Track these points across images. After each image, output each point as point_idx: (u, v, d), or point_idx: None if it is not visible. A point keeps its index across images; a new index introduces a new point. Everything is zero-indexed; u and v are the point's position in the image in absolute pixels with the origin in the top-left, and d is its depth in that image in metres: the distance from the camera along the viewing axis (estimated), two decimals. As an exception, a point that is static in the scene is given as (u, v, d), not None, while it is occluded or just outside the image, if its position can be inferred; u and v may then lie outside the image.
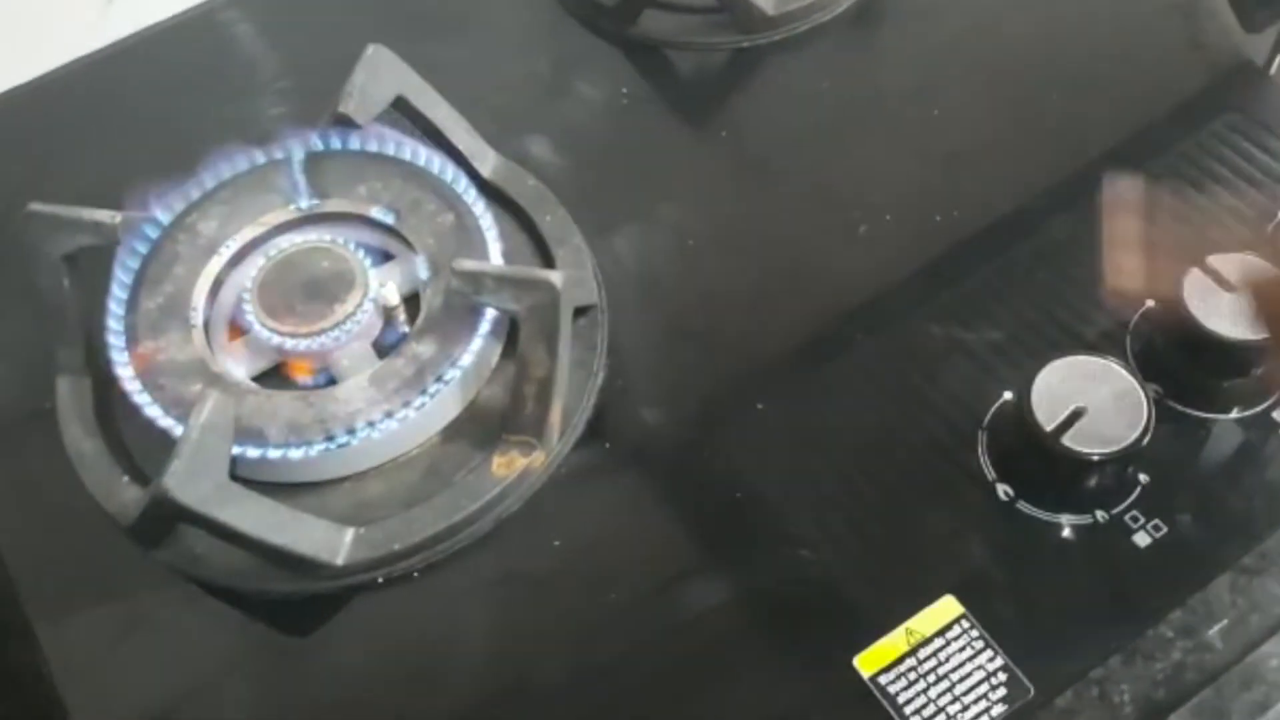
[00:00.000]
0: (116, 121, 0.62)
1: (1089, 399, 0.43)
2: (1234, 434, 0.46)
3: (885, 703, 0.41)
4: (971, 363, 0.48)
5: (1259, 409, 0.46)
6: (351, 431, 0.45)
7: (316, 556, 0.44)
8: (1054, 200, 0.53)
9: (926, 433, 0.46)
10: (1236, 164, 0.53)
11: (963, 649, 0.41)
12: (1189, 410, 0.46)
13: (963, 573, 0.43)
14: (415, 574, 0.45)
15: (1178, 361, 0.46)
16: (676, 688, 0.43)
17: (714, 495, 0.46)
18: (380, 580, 0.45)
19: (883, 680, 0.41)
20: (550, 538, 0.46)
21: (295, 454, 0.45)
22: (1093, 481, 0.44)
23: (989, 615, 0.42)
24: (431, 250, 0.50)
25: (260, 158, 0.53)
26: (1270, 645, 0.42)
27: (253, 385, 0.48)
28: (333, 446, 0.45)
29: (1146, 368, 0.47)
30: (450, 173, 0.52)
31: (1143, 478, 0.44)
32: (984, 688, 0.41)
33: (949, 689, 0.41)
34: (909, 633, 0.42)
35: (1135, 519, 0.44)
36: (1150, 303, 0.48)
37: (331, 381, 0.48)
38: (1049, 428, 0.43)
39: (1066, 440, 0.42)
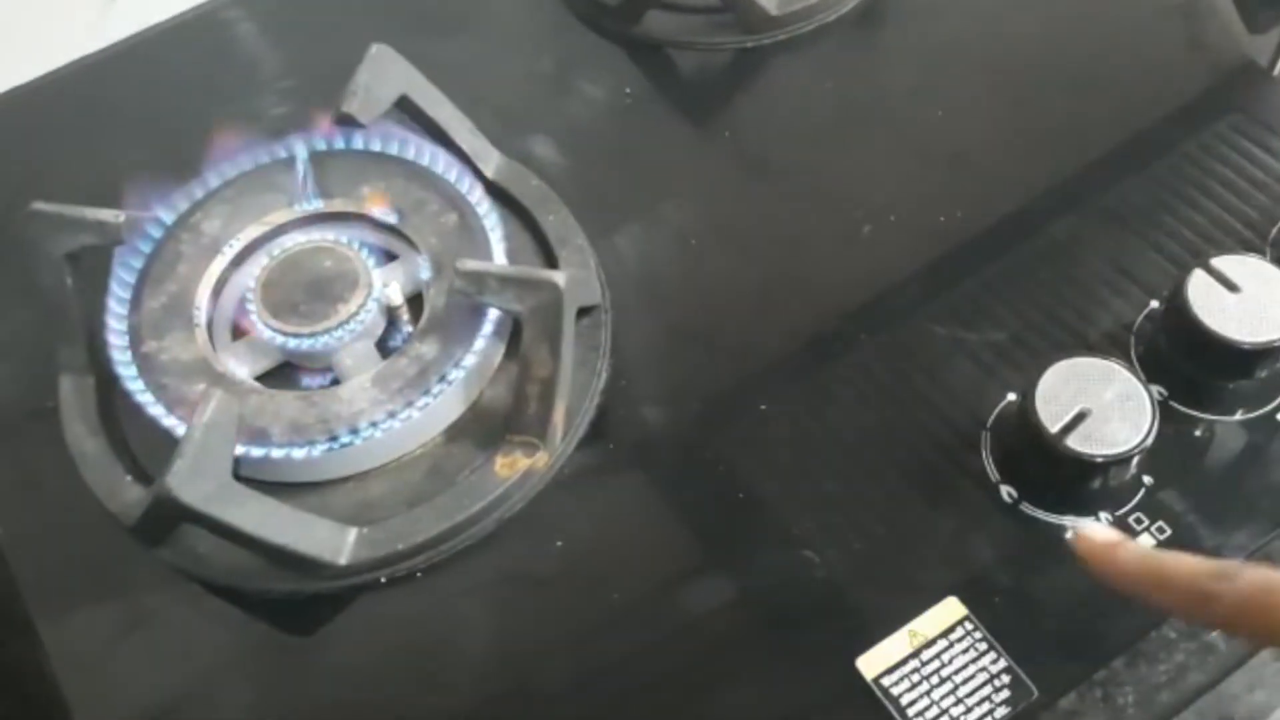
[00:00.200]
0: (119, 121, 0.62)
1: (1093, 400, 0.43)
2: (1238, 435, 0.46)
3: (888, 704, 0.41)
4: (975, 364, 0.48)
5: (1263, 410, 0.46)
6: (354, 431, 0.45)
7: (319, 556, 0.44)
8: (1057, 201, 0.53)
9: (930, 434, 0.46)
10: (1239, 165, 0.53)
11: (966, 651, 0.41)
12: (1193, 412, 0.46)
13: (966, 574, 0.43)
14: (418, 574, 0.45)
15: (1182, 363, 0.46)
16: (679, 689, 0.43)
17: (717, 496, 0.46)
18: (383, 580, 0.45)
19: (885, 682, 0.41)
20: (553, 538, 0.46)
21: (298, 454, 0.45)
22: (1097, 483, 0.44)
23: (992, 617, 0.42)
24: (435, 250, 0.50)
25: (264, 157, 0.53)
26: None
27: (256, 385, 0.48)
28: (336, 446, 0.45)
29: (1151, 369, 0.47)
30: (454, 172, 0.52)
31: (1147, 479, 0.44)
32: (987, 689, 0.41)
33: (952, 691, 0.41)
34: (912, 634, 0.42)
35: (1139, 521, 0.44)
36: (1154, 303, 0.48)
37: (335, 381, 0.48)
38: (1053, 429, 0.43)
39: (1070, 442, 0.42)
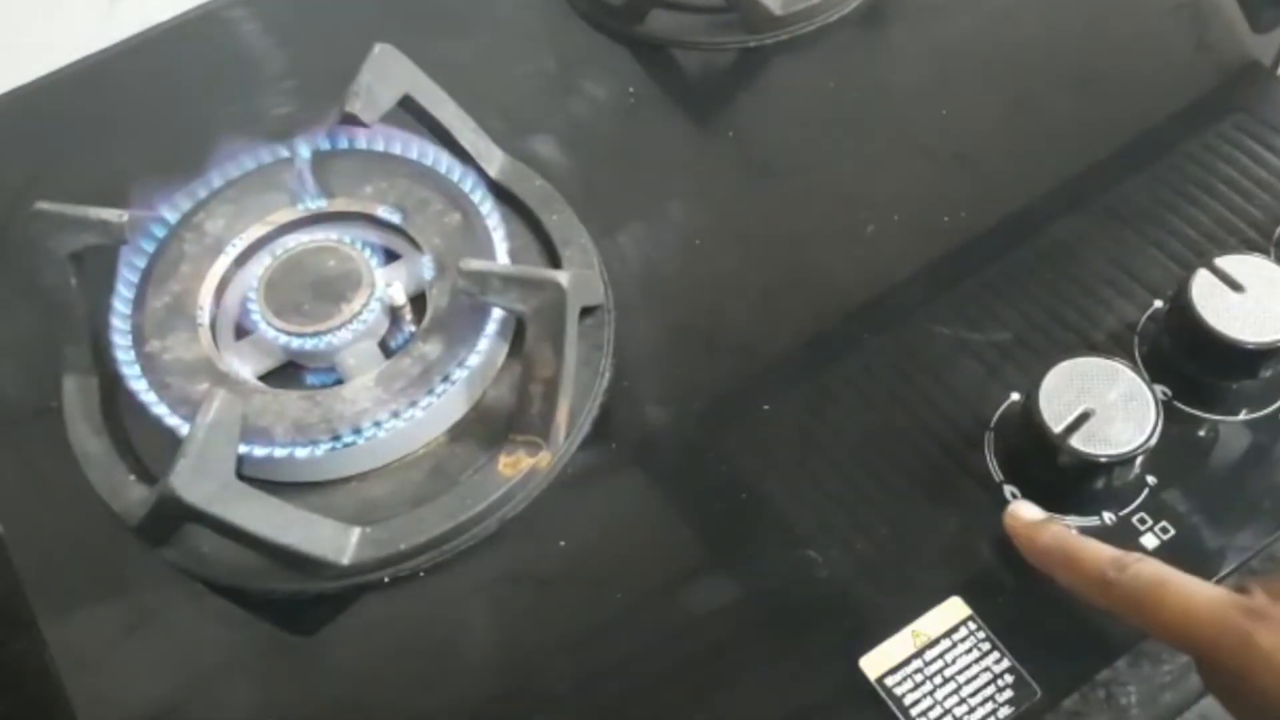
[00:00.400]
0: (123, 120, 0.62)
1: (1097, 400, 0.43)
2: (1242, 436, 0.46)
3: (891, 704, 0.41)
4: (978, 364, 0.48)
5: (1267, 410, 0.46)
6: (358, 431, 0.45)
7: (323, 556, 0.44)
8: (1061, 200, 0.53)
9: (933, 434, 0.46)
10: (1243, 164, 0.53)
11: (969, 651, 0.41)
12: (1197, 412, 0.46)
13: (969, 574, 0.43)
14: (421, 573, 0.45)
15: (1186, 363, 0.46)
16: (682, 688, 0.43)
17: (720, 495, 0.46)
18: (386, 580, 0.45)
19: (889, 682, 0.41)
20: (556, 538, 0.46)
21: (301, 453, 0.45)
22: (1100, 483, 0.44)
23: (996, 617, 0.42)
24: (438, 250, 0.50)
25: (267, 157, 0.53)
26: (1278, 648, 0.41)
27: (259, 384, 0.48)
28: (339, 446, 0.45)
29: (1154, 369, 0.47)
30: (457, 172, 0.52)
31: (1150, 480, 0.44)
32: (990, 689, 0.41)
33: (955, 691, 0.41)
34: (915, 634, 0.42)
35: (1143, 521, 0.44)
36: (1158, 303, 0.48)
37: (338, 381, 0.48)
38: (1057, 429, 0.43)
39: (1074, 442, 0.42)
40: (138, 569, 0.46)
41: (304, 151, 0.52)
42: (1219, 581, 0.42)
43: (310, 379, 0.49)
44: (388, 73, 0.51)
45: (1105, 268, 0.50)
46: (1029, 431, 0.43)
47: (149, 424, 0.46)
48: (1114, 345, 0.48)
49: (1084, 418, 0.43)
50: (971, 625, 0.42)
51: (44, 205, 0.48)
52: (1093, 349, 0.47)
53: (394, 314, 0.49)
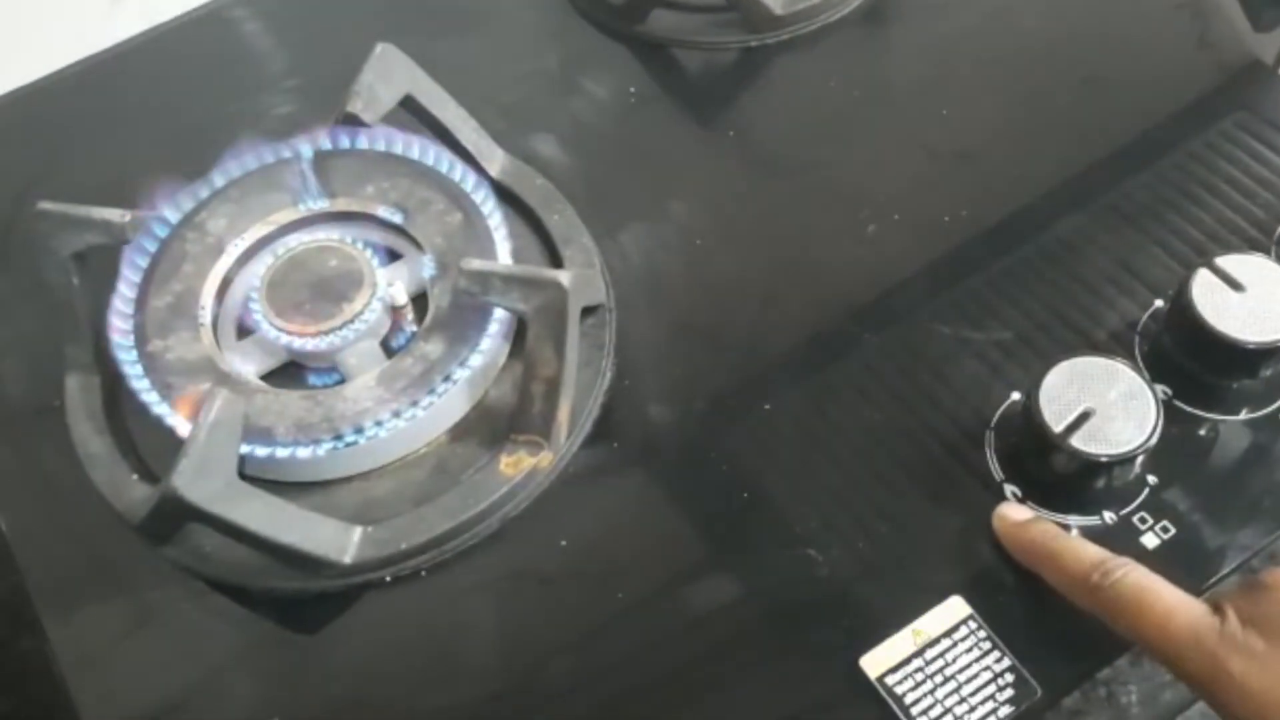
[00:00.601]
0: (125, 120, 0.62)
1: (1097, 400, 0.43)
2: (1242, 435, 0.46)
3: (892, 703, 0.41)
4: (979, 363, 0.48)
5: (1268, 410, 0.46)
6: (359, 430, 0.45)
7: (324, 555, 0.44)
8: (1062, 200, 0.53)
9: (934, 433, 0.46)
10: (1245, 163, 0.53)
11: (970, 649, 0.41)
12: (1197, 411, 0.46)
13: (970, 573, 0.43)
14: (423, 572, 0.45)
15: (1186, 362, 0.46)
16: (682, 687, 0.43)
17: (721, 495, 0.46)
18: (388, 579, 0.45)
19: (889, 681, 0.41)
20: (557, 537, 0.46)
21: (303, 453, 0.45)
22: (1101, 482, 0.44)
23: (996, 616, 0.42)
24: (439, 249, 0.50)
25: (269, 156, 0.53)
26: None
27: (261, 384, 0.48)
28: (341, 445, 0.45)
29: (1155, 368, 0.47)
30: (458, 172, 0.52)
31: (1151, 479, 0.44)
32: (991, 688, 0.41)
33: (956, 689, 0.41)
34: (916, 633, 0.42)
35: (1143, 520, 0.44)
36: (1159, 302, 0.48)
37: (340, 380, 0.48)
38: (1057, 428, 0.43)
39: (1075, 441, 0.42)
40: (140, 567, 0.46)
41: (306, 151, 0.52)
42: (1219, 581, 0.42)
43: (312, 379, 0.49)
44: (389, 73, 0.51)
45: (1107, 266, 0.50)
46: (1029, 431, 0.44)
47: (151, 423, 0.46)
48: (1115, 344, 0.48)
49: (1084, 417, 0.43)
50: (972, 624, 0.42)
51: (47, 205, 0.48)
52: (1094, 348, 0.47)
53: (395, 314, 0.49)
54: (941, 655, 0.41)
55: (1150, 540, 0.43)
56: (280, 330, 0.48)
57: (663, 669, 0.43)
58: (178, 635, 0.46)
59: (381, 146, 0.53)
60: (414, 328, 0.49)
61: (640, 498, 0.47)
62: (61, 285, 0.49)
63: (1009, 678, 0.41)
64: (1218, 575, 0.43)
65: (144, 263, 0.50)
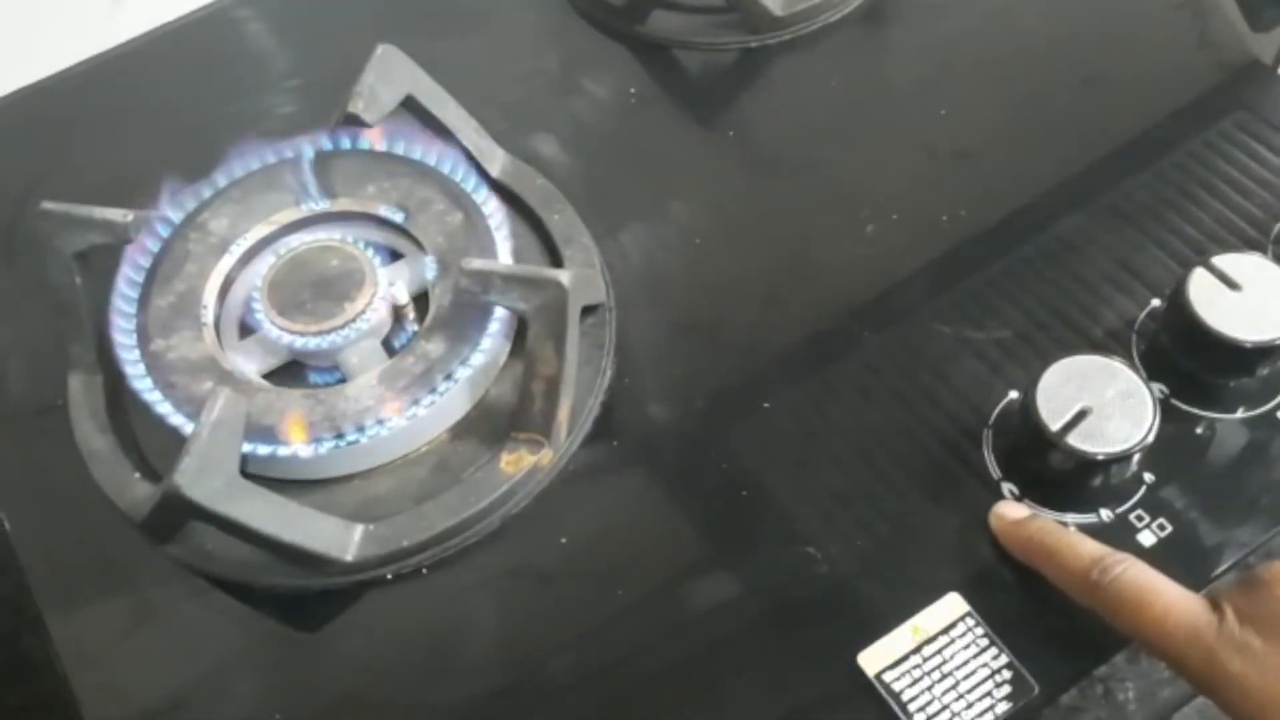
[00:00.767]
0: (127, 120, 0.63)
1: (1094, 398, 0.43)
2: (1239, 433, 0.46)
3: (890, 700, 0.41)
4: (977, 361, 0.48)
5: (1264, 408, 0.46)
6: (361, 429, 0.45)
7: (326, 553, 0.44)
8: (1061, 199, 0.53)
9: (932, 431, 0.47)
10: (1244, 163, 0.53)
11: (967, 647, 0.42)
12: (1194, 410, 0.46)
13: (968, 571, 0.43)
14: (424, 570, 0.46)
15: (1183, 361, 0.47)
16: (681, 684, 0.43)
17: (720, 493, 0.46)
18: (389, 576, 0.45)
19: (887, 678, 0.41)
20: (558, 535, 0.46)
21: (305, 451, 0.45)
22: (1098, 481, 0.44)
23: (994, 613, 0.42)
24: (440, 249, 0.50)
25: (271, 157, 0.53)
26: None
27: (263, 383, 0.48)
28: (342, 444, 0.45)
29: (1152, 367, 0.47)
30: (459, 172, 0.52)
31: (1148, 477, 0.45)
32: (988, 685, 0.41)
33: (953, 686, 0.41)
34: (914, 630, 0.42)
35: (1140, 518, 0.44)
36: (1156, 301, 0.49)
37: (341, 379, 0.48)
38: (1054, 427, 0.43)
39: (1072, 439, 0.42)
40: (142, 565, 0.46)
41: (307, 151, 0.52)
42: (1216, 579, 0.43)
43: (314, 377, 0.49)
44: (390, 73, 0.51)
45: (1105, 265, 0.51)
46: (1027, 429, 0.44)
47: (154, 422, 0.46)
48: (1113, 343, 0.48)
49: (1081, 415, 0.43)
50: (970, 621, 0.42)
51: (49, 205, 0.48)
52: (1092, 347, 0.48)
53: (397, 313, 0.50)
54: (939, 652, 0.42)
55: (1147, 538, 0.43)
56: (282, 329, 0.48)
57: (662, 666, 0.43)
58: (179, 632, 0.46)
59: (383, 147, 0.53)
60: (415, 327, 0.49)
61: (640, 496, 0.47)
62: (64, 285, 0.49)
63: (1006, 675, 0.41)
64: (1215, 573, 0.43)
65: (146, 262, 0.50)
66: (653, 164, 0.57)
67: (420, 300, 0.50)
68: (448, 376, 0.47)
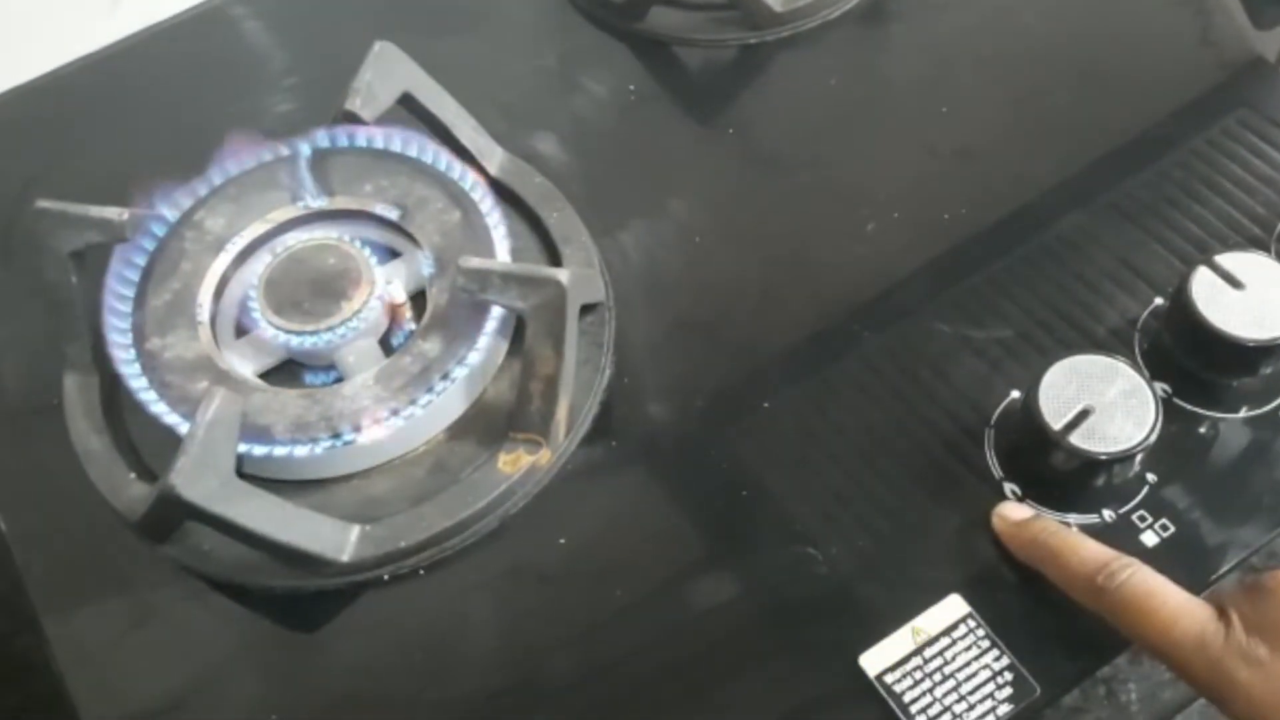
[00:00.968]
0: (124, 118, 0.62)
1: (1097, 398, 0.43)
2: (1242, 433, 0.45)
3: (891, 701, 0.41)
4: (979, 361, 0.48)
5: (1267, 408, 0.46)
6: (357, 429, 0.45)
7: (322, 553, 0.44)
8: (1062, 198, 0.53)
9: (933, 431, 0.46)
10: (1246, 160, 0.53)
11: (969, 648, 0.41)
12: (1197, 409, 0.46)
13: (969, 572, 0.43)
14: (421, 571, 0.45)
15: (1186, 360, 0.46)
16: (681, 684, 0.43)
17: (720, 493, 0.46)
18: (386, 577, 0.45)
19: (888, 679, 0.41)
20: (556, 535, 0.46)
21: (301, 451, 0.45)
22: (1100, 480, 0.44)
23: (995, 614, 0.42)
24: (438, 247, 0.50)
25: (267, 155, 0.53)
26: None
27: (259, 382, 0.48)
28: (339, 444, 0.45)
29: (1154, 366, 0.47)
30: (457, 170, 0.52)
31: (1150, 477, 0.44)
32: (990, 687, 0.41)
33: (955, 688, 0.41)
34: (915, 631, 0.42)
35: (1143, 518, 0.44)
36: (1159, 299, 0.48)
37: (338, 379, 0.48)
38: (1056, 426, 0.43)
39: (1074, 439, 0.42)
40: (138, 566, 0.46)
41: (304, 149, 0.52)
42: (1218, 579, 0.42)
43: (310, 377, 0.49)
44: (388, 70, 0.51)
45: (1107, 264, 0.50)
46: (1029, 428, 0.43)
47: (149, 422, 0.46)
48: (1115, 342, 0.48)
49: (1083, 415, 0.43)
50: (971, 623, 0.42)
51: (45, 203, 0.48)
52: (1093, 346, 0.47)
53: (394, 312, 0.49)
54: (940, 654, 0.41)
55: (1149, 538, 0.43)
56: (278, 328, 0.48)
57: (661, 666, 0.43)
58: (176, 633, 0.46)
59: (380, 144, 0.52)
60: (412, 326, 0.49)
61: (639, 495, 0.47)
62: (60, 284, 0.49)
63: (1008, 676, 0.41)
64: (1217, 573, 0.43)
65: (142, 261, 0.50)
66: (652, 162, 0.57)
67: (417, 299, 0.50)
68: (445, 376, 0.46)
